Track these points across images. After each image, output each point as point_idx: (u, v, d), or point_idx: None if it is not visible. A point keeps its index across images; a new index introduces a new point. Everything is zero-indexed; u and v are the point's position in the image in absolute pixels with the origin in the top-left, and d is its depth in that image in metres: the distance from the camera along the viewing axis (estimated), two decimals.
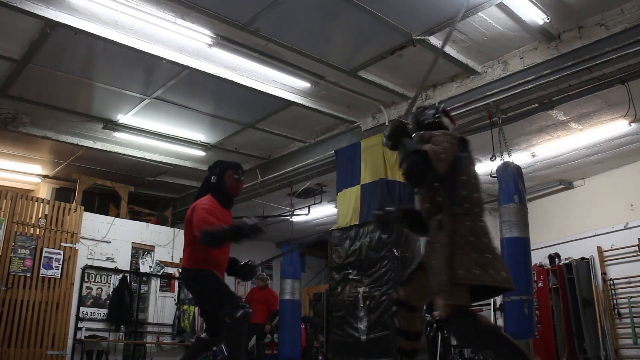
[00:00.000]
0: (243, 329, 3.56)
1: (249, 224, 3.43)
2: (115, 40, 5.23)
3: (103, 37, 5.18)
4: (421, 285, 2.82)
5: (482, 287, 2.61)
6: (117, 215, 9.25)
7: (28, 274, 7.28)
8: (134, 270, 8.98)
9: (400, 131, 2.78)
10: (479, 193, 2.81)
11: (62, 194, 9.51)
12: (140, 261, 9.11)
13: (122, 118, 7.27)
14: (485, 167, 7.85)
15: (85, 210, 8.44)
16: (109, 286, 8.47)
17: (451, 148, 2.72)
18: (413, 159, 2.61)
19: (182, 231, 4.08)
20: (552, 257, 8.99)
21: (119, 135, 7.66)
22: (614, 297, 8.25)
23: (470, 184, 2.78)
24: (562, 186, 9.31)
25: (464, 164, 2.79)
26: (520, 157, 7.62)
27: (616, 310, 8.17)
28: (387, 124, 6.93)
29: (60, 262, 7.70)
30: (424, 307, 2.88)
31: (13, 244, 7.24)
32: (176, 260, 9.33)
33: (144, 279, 9.11)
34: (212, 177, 3.82)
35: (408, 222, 3.14)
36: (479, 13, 5.04)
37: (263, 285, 9.21)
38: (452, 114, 3.25)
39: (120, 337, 8.47)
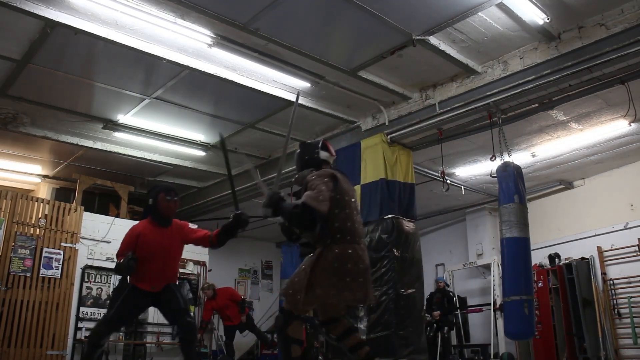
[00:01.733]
0: (92, 341, 4.26)
1: (121, 264, 4.04)
2: (115, 40, 5.23)
3: (103, 37, 5.18)
4: (312, 301, 3.22)
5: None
6: (117, 215, 9.24)
7: (28, 274, 7.27)
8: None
9: (276, 199, 3.10)
10: (351, 222, 3.20)
11: (62, 194, 9.50)
12: None
13: (122, 118, 7.27)
14: (485, 167, 7.89)
15: (85, 210, 8.43)
16: (109, 286, 8.46)
17: (326, 187, 3.07)
18: (297, 214, 2.99)
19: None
20: (552, 257, 9.00)
21: (119, 135, 7.66)
22: (614, 297, 8.25)
23: (342, 214, 3.17)
24: (562, 186, 9.31)
25: (336, 198, 3.15)
26: (520, 157, 7.62)
27: (616, 310, 8.17)
28: (387, 123, 6.94)
29: (60, 262, 7.70)
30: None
31: (13, 244, 7.23)
32: None
33: None
34: (150, 200, 4.33)
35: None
36: (479, 13, 5.03)
37: (212, 294, 9.04)
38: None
39: (120, 337, 8.47)
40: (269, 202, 3.11)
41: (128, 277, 4.30)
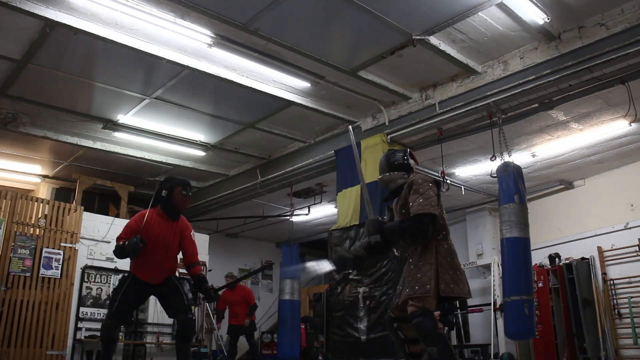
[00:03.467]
0: (102, 336, 4.27)
1: (129, 243, 4.08)
2: (115, 40, 5.23)
3: (103, 37, 5.18)
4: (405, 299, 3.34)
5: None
6: (117, 215, 9.24)
7: (28, 274, 7.27)
8: None
9: (379, 223, 3.38)
10: (444, 220, 3.46)
11: (62, 194, 9.50)
12: None
13: (122, 118, 7.27)
14: (485, 167, 7.88)
15: (85, 210, 8.42)
16: (109, 286, 8.46)
17: (434, 192, 3.34)
18: (413, 227, 3.22)
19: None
20: (552, 257, 8.99)
21: (119, 135, 7.66)
22: (614, 297, 8.24)
23: (443, 214, 3.43)
24: (562, 186, 9.30)
25: (439, 201, 3.41)
26: (520, 157, 7.62)
27: (616, 310, 8.16)
28: (387, 123, 6.93)
29: (60, 262, 7.69)
30: None
31: (13, 244, 7.23)
32: None
33: None
34: (163, 192, 4.30)
35: (383, 248, 3.64)
36: (479, 13, 5.03)
37: (234, 285, 9.14)
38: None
39: (120, 337, 8.47)
40: (375, 229, 3.36)
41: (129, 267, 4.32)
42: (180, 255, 4.62)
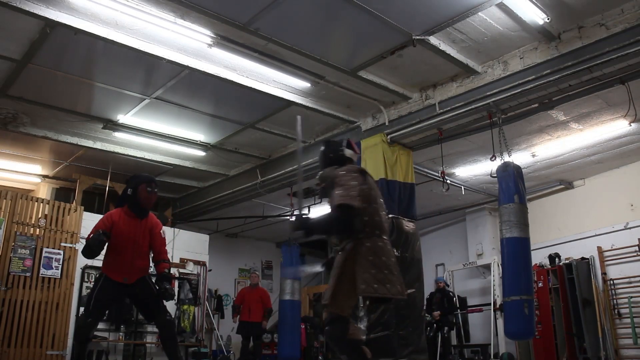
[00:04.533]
0: (80, 335, 4.27)
1: (91, 238, 4.11)
2: (115, 40, 5.23)
3: (103, 37, 5.18)
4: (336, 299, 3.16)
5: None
6: None
7: (28, 274, 7.26)
8: None
9: (304, 220, 3.09)
10: (379, 216, 3.17)
11: (62, 194, 9.50)
12: None
13: (122, 118, 7.27)
14: (485, 167, 7.89)
15: (85, 210, 8.41)
16: None
17: (355, 182, 3.03)
18: (333, 219, 3.00)
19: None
20: (552, 257, 8.99)
21: (119, 135, 7.66)
22: (614, 297, 8.25)
23: (371, 209, 3.12)
24: (562, 186, 9.31)
25: (365, 192, 3.09)
26: (520, 157, 7.62)
27: (616, 310, 8.17)
28: (387, 123, 6.94)
29: (60, 262, 7.68)
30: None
31: (13, 244, 7.22)
32: (176, 260, 9.32)
33: None
34: (128, 190, 4.28)
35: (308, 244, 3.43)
36: (479, 13, 5.03)
37: (256, 284, 9.22)
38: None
39: (120, 337, 8.47)
40: (299, 224, 3.08)
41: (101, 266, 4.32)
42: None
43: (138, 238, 4.30)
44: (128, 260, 4.26)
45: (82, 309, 8.03)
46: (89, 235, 4.22)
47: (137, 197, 4.27)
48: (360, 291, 2.95)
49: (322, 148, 3.47)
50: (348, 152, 3.38)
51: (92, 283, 8.17)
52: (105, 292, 4.22)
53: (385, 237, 3.16)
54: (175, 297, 9.30)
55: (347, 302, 3.04)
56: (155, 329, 8.65)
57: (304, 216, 3.13)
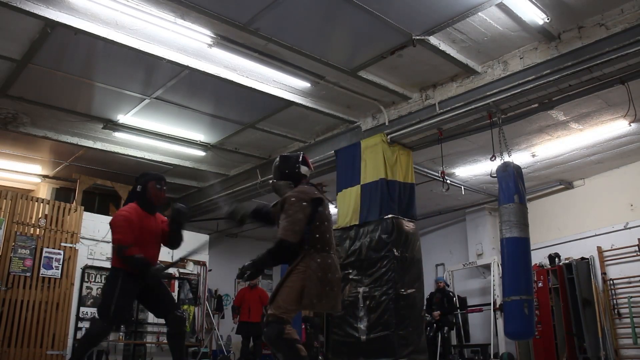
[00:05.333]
0: (93, 339, 4.07)
1: (153, 270, 4.09)
2: (115, 40, 5.23)
3: (103, 37, 5.17)
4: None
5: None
6: None
7: (28, 274, 7.27)
8: None
9: (252, 262, 3.32)
10: (330, 234, 3.40)
11: (62, 194, 9.50)
12: None
13: (122, 118, 7.27)
14: (485, 167, 7.89)
15: (85, 210, 8.42)
16: None
17: (303, 214, 3.24)
18: (275, 253, 3.25)
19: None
20: (552, 257, 9.00)
21: (119, 135, 7.66)
22: (614, 297, 8.25)
23: (323, 227, 3.35)
24: (562, 186, 9.31)
25: (317, 215, 3.33)
26: (520, 157, 7.62)
27: (616, 310, 8.17)
28: (387, 123, 6.94)
29: (60, 262, 7.69)
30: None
31: (13, 244, 7.23)
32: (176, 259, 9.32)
33: None
34: (138, 187, 4.33)
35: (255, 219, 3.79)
36: (479, 13, 5.03)
37: (255, 284, 9.22)
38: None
39: (120, 337, 8.47)
40: (244, 273, 3.33)
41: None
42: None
43: (155, 233, 4.31)
44: (152, 255, 4.23)
45: (82, 309, 8.05)
46: (126, 241, 4.00)
47: (146, 194, 4.30)
48: (303, 304, 3.21)
49: (277, 162, 3.57)
50: (303, 169, 3.50)
51: (94, 283, 8.19)
52: (127, 296, 4.07)
53: (333, 253, 3.40)
54: (175, 297, 9.31)
55: (287, 306, 3.19)
56: (155, 329, 8.72)
57: (245, 265, 3.32)
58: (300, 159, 3.52)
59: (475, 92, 6.05)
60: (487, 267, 10.16)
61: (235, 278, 3.60)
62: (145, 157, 8.50)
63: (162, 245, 4.46)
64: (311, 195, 3.36)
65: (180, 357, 4.24)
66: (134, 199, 4.34)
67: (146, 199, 4.30)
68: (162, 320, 9.04)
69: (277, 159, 3.60)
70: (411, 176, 6.98)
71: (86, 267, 8.21)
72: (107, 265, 8.47)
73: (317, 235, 3.31)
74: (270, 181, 3.56)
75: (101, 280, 8.45)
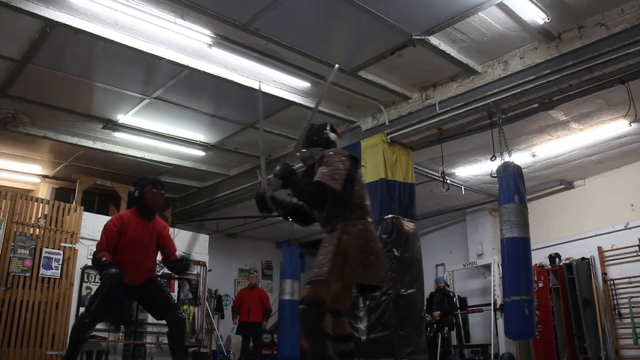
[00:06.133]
0: (75, 334, 4.20)
1: (106, 275, 4.00)
2: (115, 40, 5.22)
3: (103, 37, 5.17)
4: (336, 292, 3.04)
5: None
6: None
7: (28, 274, 7.26)
8: None
9: (289, 171, 3.08)
10: (368, 201, 3.19)
11: (62, 194, 9.50)
12: None
13: (122, 118, 7.27)
14: (485, 167, 7.89)
15: (85, 210, 8.41)
16: None
17: (344, 166, 3.00)
18: (309, 190, 2.96)
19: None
20: (553, 257, 8.99)
21: (119, 135, 7.66)
22: (615, 297, 8.25)
23: (361, 192, 3.14)
24: (562, 186, 9.31)
25: (355, 177, 3.10)
26: (520, 157, 7.62)
27: (616, 310, 8.17)
28: (387, 123, 6.93)
29: (60, 262, 7.68)
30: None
31: (13, 244, 7.22)
32: None
33: None
34: (136, 192, 4.36)
35: (286, 212, 3.49)
36: (479, 13, 5.03)
37: (254, 284, 9.25)
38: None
39: (120, 337, 8.46)
40: (282, 172, 3.05)
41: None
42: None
43: (146, 240, 4.34)
44: (137, 262, 4.27)
45: (82, 309, 8.04)
46: (102, 243, 4.15)
47: (143, 199, 4.31)
48: (344, 275, 2.89)
49: (307, 130, 3.41)
50: (332, 136, 3.36)
51: (93, 283, 8.19)
52: (112, 296, 4.19)
53: (372, 223, 3.15)
54: (175, 297, 9.31)
55: (334, 286, 2.92)
56: (155, 329, 8.71)
57: (292, 168, 3.09)
58: (329, 127, 3.39)
59: (475, 92, 6.05)
60: (488, 267, 10.16)
61: (259, 193, 3.28)
62: (145, 157, 8.50)
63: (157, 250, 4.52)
64: (348, 152, 3.17)
65: (181, 358, 4.24)
66: (133, 204, 4.40)
67: (143, 204, 4.33)
68: (162, 321, 9.08)
69: (304, 129, 3.43)
70: (411, 176, 6.98)
71: (86, 267, 8.20)
72: None
73: (357, 200, 3.08)
74: (298, 153, 3.38)
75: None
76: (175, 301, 9.14)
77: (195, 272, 9.64)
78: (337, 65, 3.70)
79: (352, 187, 3.04)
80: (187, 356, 9.16)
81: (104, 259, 4.03)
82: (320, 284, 2.88)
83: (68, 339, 7.50)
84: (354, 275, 2.89)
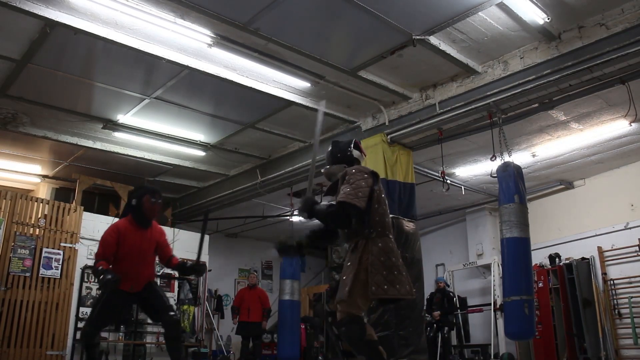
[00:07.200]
0: (84, 343, 4.35)
1: (103, 278, 4.07)
2: (115, 40, 5.22)
3: (103, 37, 5.17)
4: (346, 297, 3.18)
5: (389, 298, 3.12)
6: (117, 215, 9.21)
7: (28, 274, 7.26)
8: None
9: (311, 203, 3.18)
10: (388, 217, 3.28)
11: (62, 194, 9.50)
12: None
13: (122, 118, 7.27)
14: (485, 167, 7.88)
15: (85, 210, 8.41)
16: None
17: (366, 183, 3.12)
18: (333, 213, 3.07)
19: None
20: (553, 257, 8.99)
21: (119, 135, 7.65)
22: (614, 297, 8.25)
23: (381, 210, 3.22)
24: (562, 186, 9.31)
25: (376, 193, 3.21)
26: (520, 157, 7.62)
27: (616, 310, 8.17)
28: (387, 123, 6.93)
29: (60, 262, 7.68)
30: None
31: (13, 244, 7.22)
32: None
33: None
34: (133, 201, 4.39)
35: (308, 248, 3.53)
36: (479, 13, 5.03)
37: (254, 284, 9.26)
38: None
39: (120, 337, 8.46)
40: (305, 206, 3.17)
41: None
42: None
43: (144, 247, 4.39)
44: (136, 270, 4.33)
45: (81, 309, 8.04)
46: (99, 254, 4.23)
47: (141, 208, 4.35)
48: (371, 293, 3.00)
49: (330, 147, 3.55)
50: (356, 153, 3.45)
51: (93, 283, 8.19)
52: (112, 302, 4.26)
53: (393, 238, 3.25)
54: (175, 297, 9.31)
55: (362, 302, 3.09)
56: (155, 329, 8.71)
57: (314, 199, 3.20)
58: (352, 144, 3.49)
59: (475, 92, 6.05)
60: (488, 267, 10.16)
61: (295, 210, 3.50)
62: (145, 157, 8.50)
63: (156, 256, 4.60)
64: (370, 169, 3.29)
65: (179, 358, 4.27)
66: (129, 212, 4.43)
67: (141, 214, 4.37)
68: (159, 322, 9.06)
69: (330, 145, 3.59)
70: (411, 176, 6.98)
71: (86, 267, 8.19)
72: None
73: (377, 218, 3.17)
74: (322, 170, 3.54)
75: None
76: (176, 301, 9.24)
77: None
78: (323, 101, 3.79)
79: (370, 204, 3.14)
80: (185, 356, 9.16)
81: (101, 267, 4.13)
82: (348, 304, 3.07)
83: (73, 341, 7.58)
84: (381, 292, 3.00)
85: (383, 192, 3.33)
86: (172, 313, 4.38)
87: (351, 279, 3.05)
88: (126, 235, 4.29)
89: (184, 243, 9.45)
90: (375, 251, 3.08)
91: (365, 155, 3.59)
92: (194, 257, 4.67)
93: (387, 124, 6.94)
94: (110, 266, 4.26)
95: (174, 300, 9.31)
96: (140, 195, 4.38)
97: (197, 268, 4.56)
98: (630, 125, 6.83)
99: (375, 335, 3.11)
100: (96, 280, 4.34)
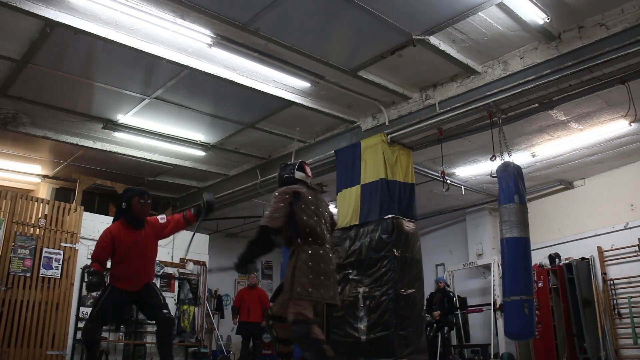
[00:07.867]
0: (85, 339, 4.42)
1: (88, 281, 4.29)
2: (115, 40, 5.22)
3: (103, 37, 5.17)
4: (283, 301, 3.55)
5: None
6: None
7: (28, 274, 7.26)
8: None
9: (240, 259, 3.57)
10: (320, 228, 3.59)
11: (62, 194, 9.50)
12: None
13: (122, 118, 7.27)
14: (485, 167, 7.89)
15: (85, 210, 8.42)
16: None
17: (283, 203, 3.50)
18: (255, 240, 3.48)
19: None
20: (552, 257, 9.00)
21: (119, 135, 7.66)
22: (614, 297, 8.25)
23: (311, 222, 3.54)
24: (562, 186, 9.31)
25: (301, 208, 3.54)
26: (520, 157, 7.62)
27: (616, 310, 8.17)
28: (387, 123, 6.94)
29: (60, 262, 7.68)
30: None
31: (13, 244, 7.22)
32: (176, 260, 9.33)
33: None
34: (123, 204, 4.45)
35: (254, 261, 3.88)
36: (479, 13, 5.03)
37: (254, 284, 9.26)
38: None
39: (120, 337, 8.47)
40: (238, 266, 3.58)
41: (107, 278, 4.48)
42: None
43: (141, 247, 4.42)
44: (135, 270, 4.39)
45: (82, 309, 8.04)
46: (94, 260, 4.34)
47: (131, 210, 4.41)
48: (296, 293, 3.33)
49: (278, 170, 3.90)
50: (299, 175, 3.77)
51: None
52: (112, 300, 4.34)
53: (327, 247, 3.59)
54: (175, 297, 9.31)
55: (306, 302, 3.37)
56: (155, 329, 8.71)
57: (234, 261, 3.57)
58: (297, 166, 3.80)
59: (475, 92, 6.05)
60: (487, 267, 10.16)
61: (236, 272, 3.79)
62: (145, 157, 8.50)
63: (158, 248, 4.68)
64: (293, 188, 3.62)
65: (167, 356, 4.33)
66: (121, 215, 4.49)
67: (131, 215, 4.43)
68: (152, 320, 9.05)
69: (278, 169, 3.94)
70: (411, 176, 6.98)
71: (86, 267, 8.19)
72: (107, 265, 8.49)
73: (307, 230, 3.50)
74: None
75: None
76: (176, 301, 9.24)
77: (195, 272, 9.65)
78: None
79: (296, 218, 3.49)
80: (185, 355, 9.16)
81: (92, 268, 4.28)
82: (294, 304, 3.35)
83: (74, 341, 7.59)
84: (305, 293, 3.34)
85: (314, 205, 3.63)
86: (165, 311, 4.43)
87: (290, 282, 3.40)
88: (121, 238, 4.34)
89: (184, 243, 9.46)
90: (304, 257, 3.43)
91: (310, 176, 3.87)
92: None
93: (387, 124, 6.94)
94: (108, 267, 4.36)
95: (174, 300, 9.32)
96: (129, 198, 4.43)
97: (208, 202, 4.61)
98: (630, 125, 6.83)
99: (321, 334, 3.33)
100: (88, 287, 4.45)
